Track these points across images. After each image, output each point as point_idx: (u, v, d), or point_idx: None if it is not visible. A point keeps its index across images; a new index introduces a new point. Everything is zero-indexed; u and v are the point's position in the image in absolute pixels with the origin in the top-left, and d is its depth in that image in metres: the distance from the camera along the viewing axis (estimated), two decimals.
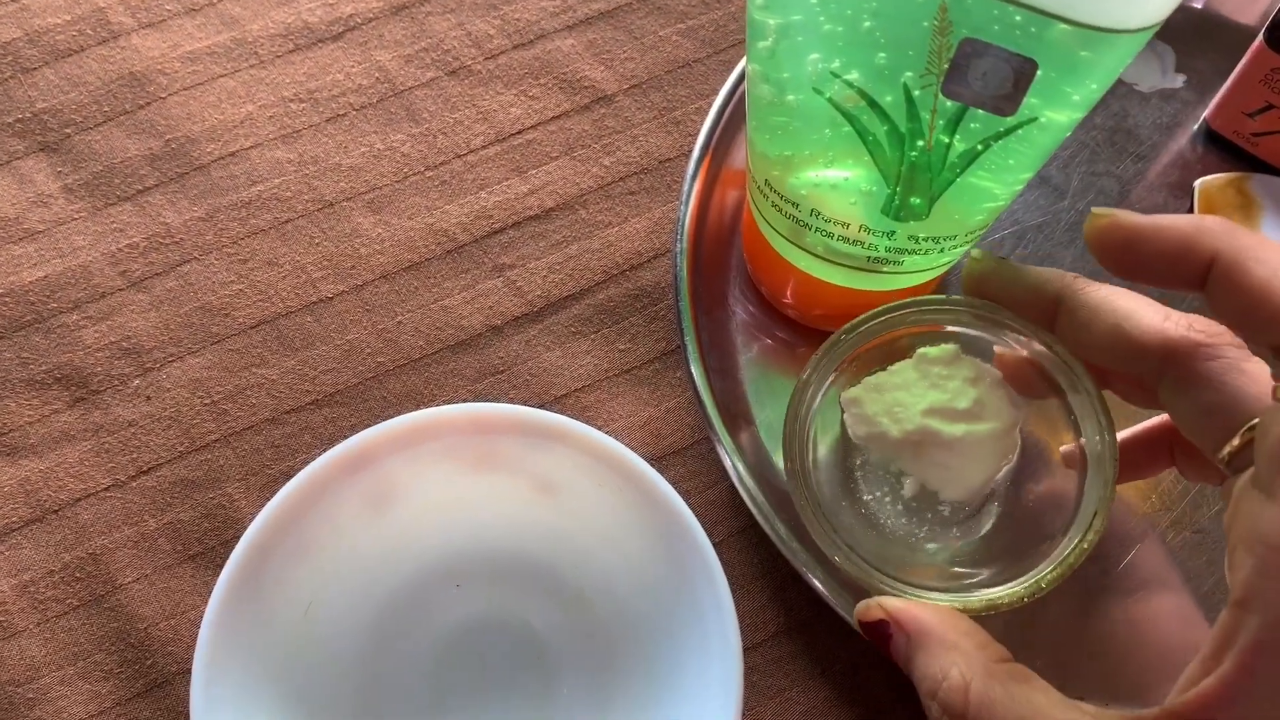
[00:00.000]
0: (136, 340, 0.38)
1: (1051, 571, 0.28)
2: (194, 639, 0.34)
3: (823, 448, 0.32)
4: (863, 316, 0.30)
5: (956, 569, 0.31)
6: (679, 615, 0.30)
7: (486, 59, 0.42)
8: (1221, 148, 0.41)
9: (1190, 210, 0.40)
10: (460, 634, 0.33)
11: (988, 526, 0.32)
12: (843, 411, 0.31)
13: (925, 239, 0.31)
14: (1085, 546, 0.27)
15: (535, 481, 0.32)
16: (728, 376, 0.37)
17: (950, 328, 0.30)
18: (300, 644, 0.30)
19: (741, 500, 0.35)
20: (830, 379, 0.31)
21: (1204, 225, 0.24)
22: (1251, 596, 0.21)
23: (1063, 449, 0.30)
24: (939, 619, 0.26)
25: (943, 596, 0.28)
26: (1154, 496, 0.36)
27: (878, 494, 0.32)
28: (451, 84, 0.42)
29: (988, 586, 0.28)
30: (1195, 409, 0.24)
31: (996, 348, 0.30)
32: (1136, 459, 0.31)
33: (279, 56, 0.42)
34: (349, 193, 0.40)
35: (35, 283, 0.39)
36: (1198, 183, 0.40)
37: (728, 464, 0.35)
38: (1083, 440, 0.29)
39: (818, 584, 0.33)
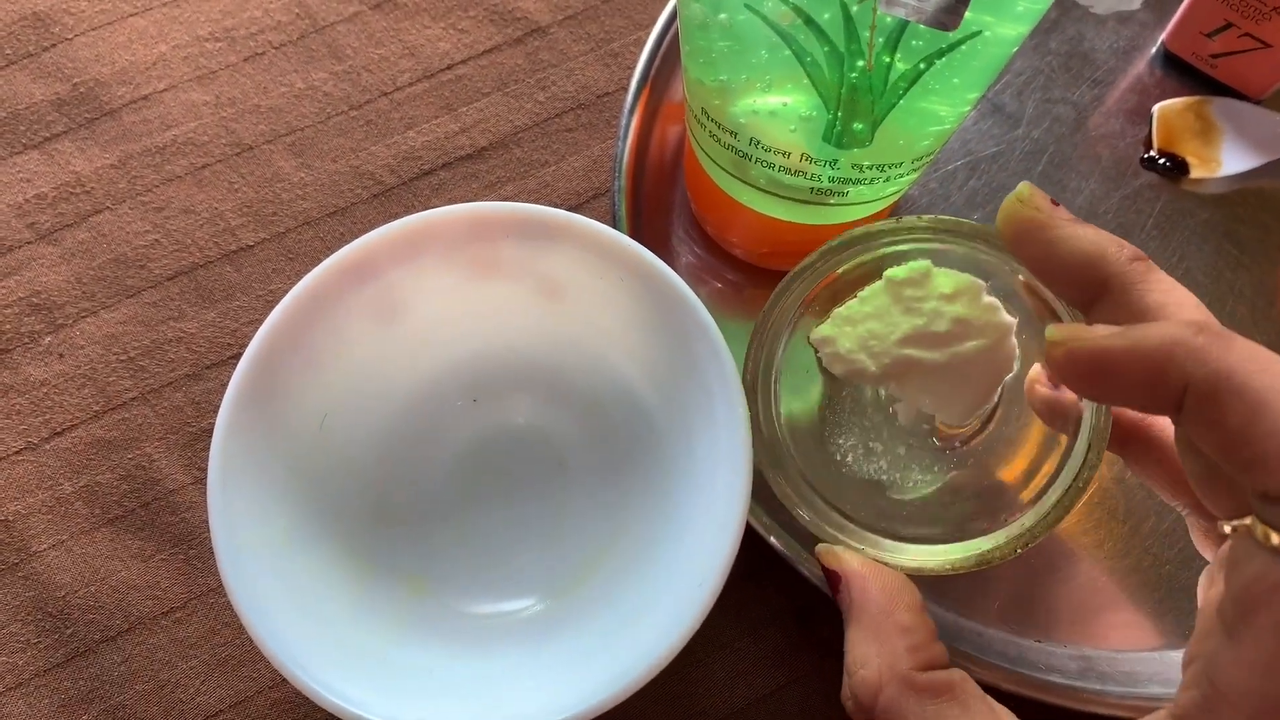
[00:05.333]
0: (47, 295, 0.36)
1: (1041, 521, 0.26)
2: (116, 605, 0.33)
3: (799, 401, 0.30)
4: (810, 256, 0.28)
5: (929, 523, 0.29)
6: (687, 397, 0.30)
7: None
8: (1180, 71, 0.40)
9: (1149, 136, 0.39)
10: (476, 445, 0.33)
11: (955, 471, 0.30)
12: (816, 351, 0.29)
13: (870, 167, 0.30)
14: (1070, 500, 0.26)
15: (540, 284, 0.31)
16: None
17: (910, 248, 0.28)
18: (316, 453, 0.30)
19: None
20: (790, 327, 0.29)
21: (1176, 347, 0.20)
22: None
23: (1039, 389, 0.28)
24: (883, 601, 0.25)
25: (921, 549, 0.27)
26: None
27: (848, 441, 0.30)
28: (376, 18, 0.40)
29: (970, 537, 0.27)
30: (1205, 468, 0.22)
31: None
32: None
33: None
34: (269, 135, 0.38)
35: None
36: (1156, 107, 0.39)
37: None
38: (1081, 405, 0.26)
39: (772, 539, 0.32)
